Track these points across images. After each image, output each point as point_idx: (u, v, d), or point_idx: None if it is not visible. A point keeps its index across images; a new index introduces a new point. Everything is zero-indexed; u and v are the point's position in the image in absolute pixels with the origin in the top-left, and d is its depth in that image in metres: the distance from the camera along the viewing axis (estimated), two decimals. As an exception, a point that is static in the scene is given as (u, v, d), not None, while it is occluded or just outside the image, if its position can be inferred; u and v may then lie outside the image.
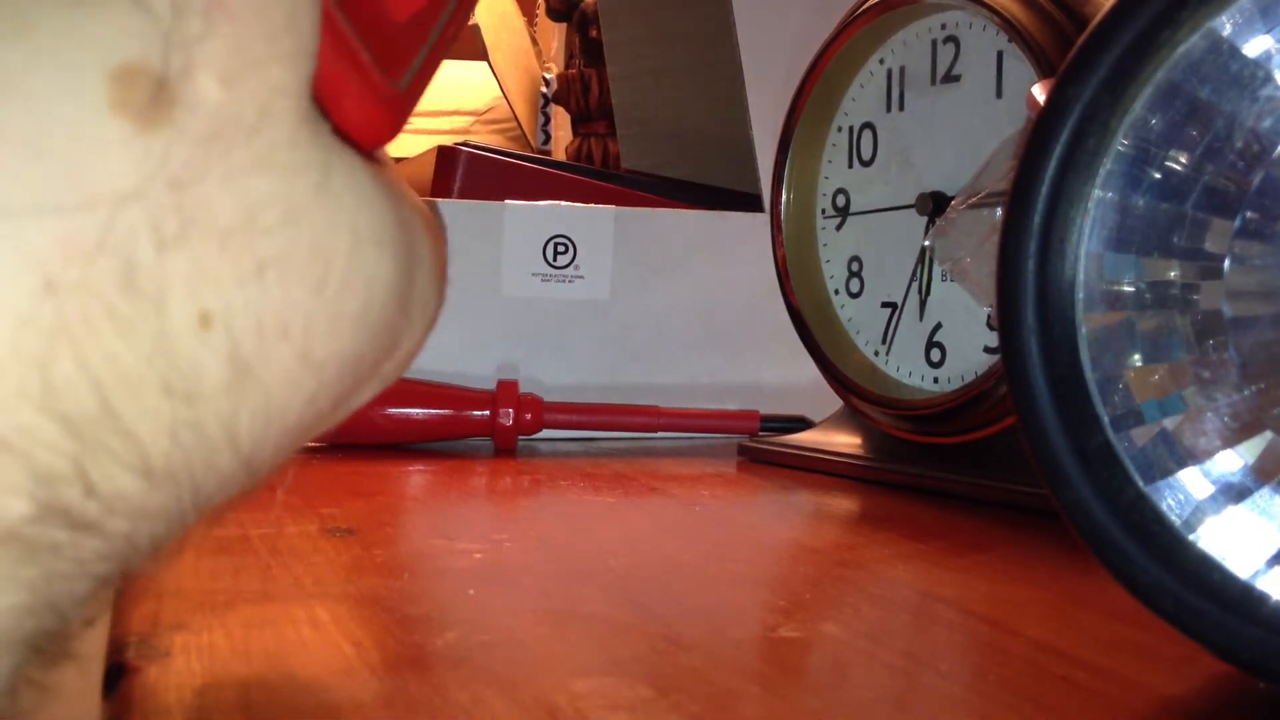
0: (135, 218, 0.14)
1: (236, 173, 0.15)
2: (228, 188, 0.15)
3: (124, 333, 0.14)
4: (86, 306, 0.14)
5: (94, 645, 0.21)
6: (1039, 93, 0.34)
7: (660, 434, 0.72)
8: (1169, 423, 0.27)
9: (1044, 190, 0.27)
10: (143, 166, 0.14)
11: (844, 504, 0.53)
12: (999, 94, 0.54)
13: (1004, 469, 0.52)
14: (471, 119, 1.62)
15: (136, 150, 0.14)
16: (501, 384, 0.67)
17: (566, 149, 1.25)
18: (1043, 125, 0.27)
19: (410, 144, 1.19)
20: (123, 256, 0.14)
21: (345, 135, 0.17)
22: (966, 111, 0.56)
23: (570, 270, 0.74)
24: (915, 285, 0.59)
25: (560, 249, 0.74)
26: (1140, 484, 0.26)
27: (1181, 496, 0.26)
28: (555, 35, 1.42)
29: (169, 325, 0.15)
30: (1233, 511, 0.26)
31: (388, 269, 0.17)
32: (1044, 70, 0.49)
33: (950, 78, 0.57)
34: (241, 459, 0.16)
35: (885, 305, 0.60)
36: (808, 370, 0.63)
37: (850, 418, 0.61)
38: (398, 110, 0.18)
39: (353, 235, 0.16)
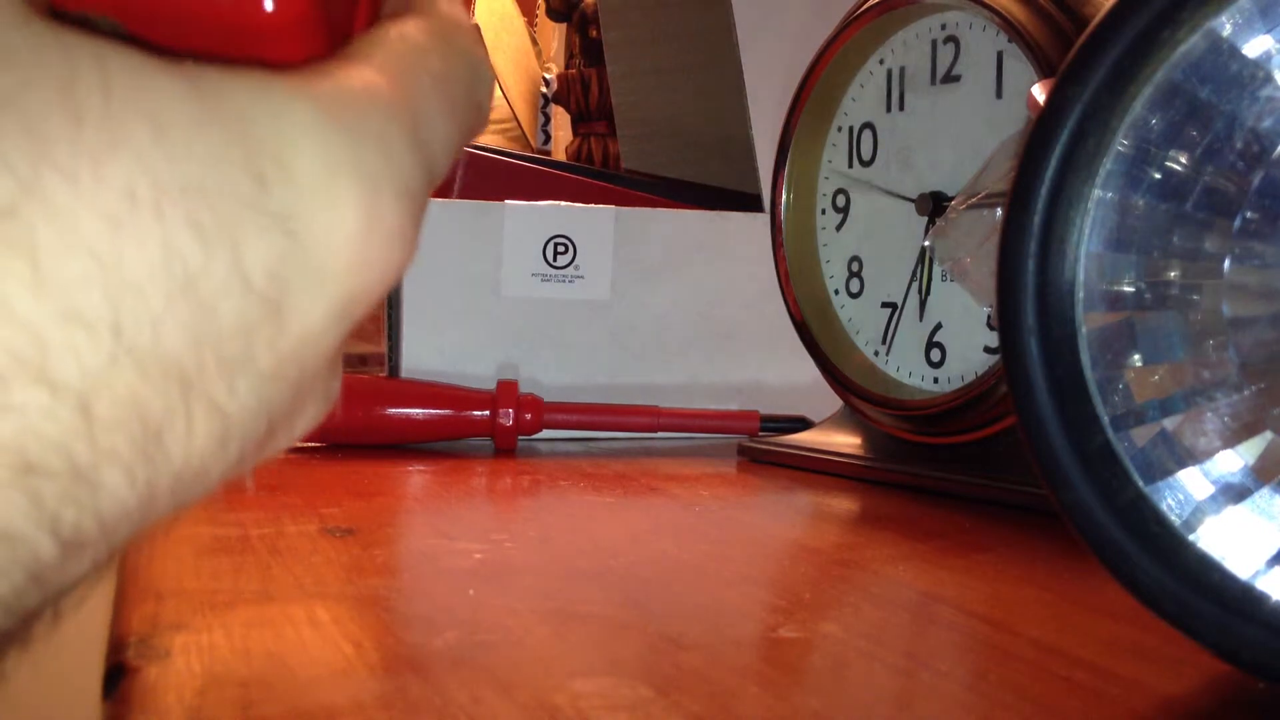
0: None
1: None
2: None
3: None
4: None
5: (94, 645, 0.21)
6: (1039, 93, 0.34)
7: (660, 434, 0.72)
8: (1169, 423, 0.27)
9: (1044, 190, 0.27)
10: None
11: (844, 504, 0.53)
12: (999, 94, 0.54)
13: (1004, 469, 0.52)
14: (471, 119, 1.61)
15: None
16: (501, 384, 0.67)
17: (566, 149, 1.25)
18: (1043, 125, 0.27)
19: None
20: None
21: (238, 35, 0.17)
22: (966, 111, 0.56)
23: (570, 270, 0.74)
24: (915, 285, 0.59)
25: (560, 249, 0.74)
26: (1140, 484, 0.26)
27: (1181, 496, 0.26)
28: (555, 35, 1.42)
29: None
30: (1233, 511, 0.26)
31: None
32: (1044, 70, 0.49)
33: (950, 78, 0.57)
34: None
35: (885, 305, 0.60)
36: (808, 370, 0.63)
37: (850, 418, 0.61)
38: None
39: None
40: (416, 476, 0.57)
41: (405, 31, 0.21)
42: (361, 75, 0.19)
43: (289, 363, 0.17)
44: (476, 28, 0.22)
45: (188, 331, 0.16)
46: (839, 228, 0.63)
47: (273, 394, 0.17)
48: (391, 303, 0.72)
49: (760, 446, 0.64)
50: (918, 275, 0.59)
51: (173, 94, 0.16)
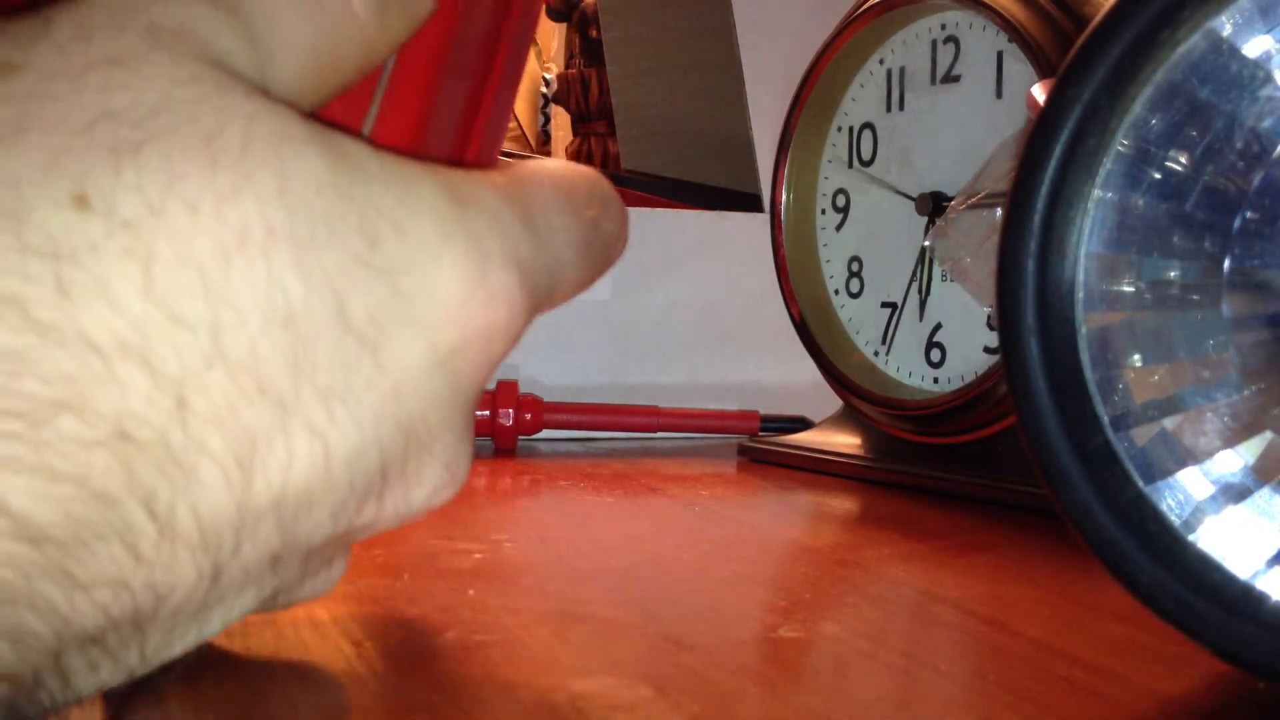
0: None
1: None
2: None
3: None
4: None
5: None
6: (1039, 93, 0.34)
7: (660, 434, 0.72)
8: (1169, 423, 0.27)
9: (1044, 190, 0.27)
10: None
11: (844, 504, 0.53)
12: (999, 94, 0.54)
13: (1004, 469, 0.52)
14: (471, 119, 1.61)
15: None
16: (501, 384, 0.67)
17: (566, 149, 1.25)
18: (1043, 125, 0.27)
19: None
20: None
21: None
22: (966, 111, 0.56)
23: (570, 270, 0.74)
24: (915, 285, 0.59)
25: (560, 249, 0.74)
26: (1140, 484, 0.26)
27: (1181, 496, 0.26)
28: (555, 35, 1.42)
29: None
30: (1233, 511, 0.26)
31: None
32: (1044, 70, 0.49)
33: (950, 78, 0.57)
34: None
35: (885, 305, 0.60)
36: (808, 370, 0.63)
37: (850, 418, 0.61)
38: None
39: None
40: (416, 476, 0.57)
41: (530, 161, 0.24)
42: (484, 171, 0.21)
43: (392, 402, 0.19)
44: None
45: (284, 356, 0.18)
46: (839, 228, 0.63)
47: (378, 431, 0.19)
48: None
49: (760, 446, 0.64)
50: (918, 275, 0.59)
51: (306, 159, 0.18)
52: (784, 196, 0.64)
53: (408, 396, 0.19)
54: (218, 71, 0.18)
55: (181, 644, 0.19)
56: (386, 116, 0.24)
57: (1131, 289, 0.28)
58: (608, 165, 1.14)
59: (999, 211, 0.48)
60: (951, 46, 0.57)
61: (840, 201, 0.63)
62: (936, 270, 0.58)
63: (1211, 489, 0.27)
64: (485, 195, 0.20)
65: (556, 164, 0.23)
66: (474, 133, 0.26)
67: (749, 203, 0.81)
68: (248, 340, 0.17)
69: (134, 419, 0.16)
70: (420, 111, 0.24)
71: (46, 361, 0.16)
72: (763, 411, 0.72)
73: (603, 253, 0.24)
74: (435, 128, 0.25)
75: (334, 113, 0.22)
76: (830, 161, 0.63)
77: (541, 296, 0.22)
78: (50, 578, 0.16)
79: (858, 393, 0.59)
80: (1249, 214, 0.26)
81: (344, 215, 0.18)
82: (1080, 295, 0.27)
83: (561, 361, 0.75)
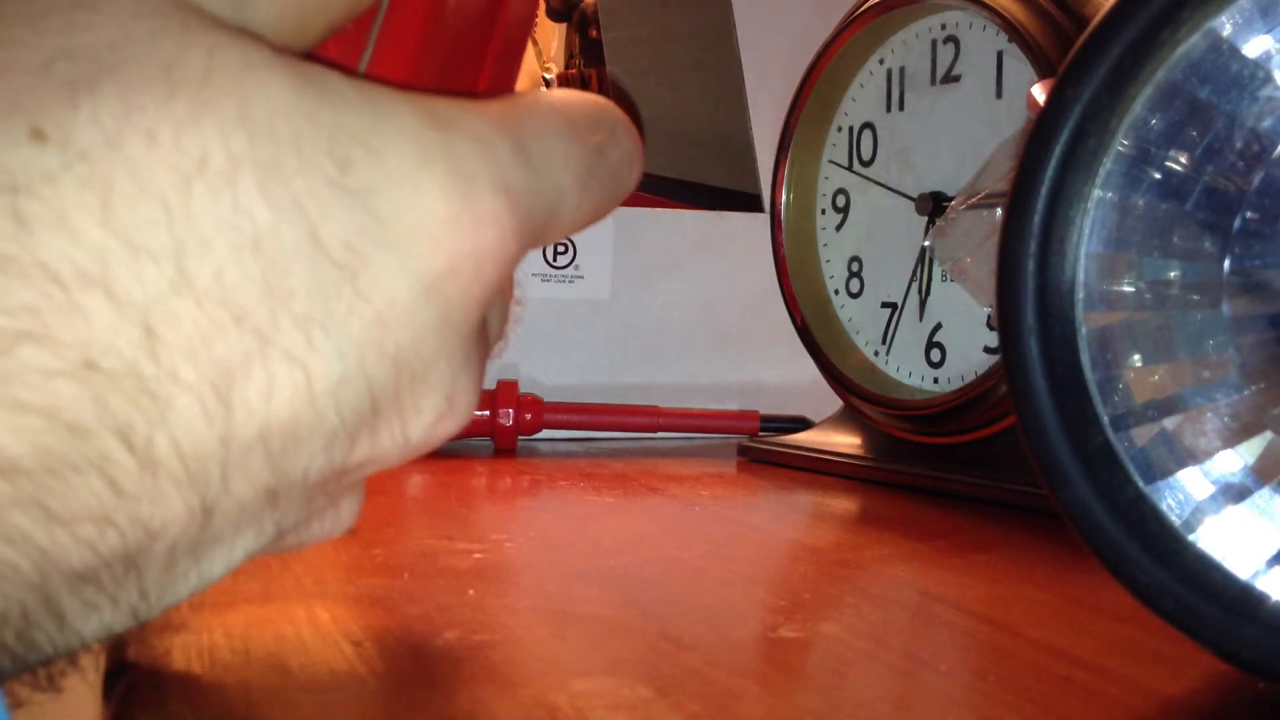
0: None
1: None
2: None
3: None
4: None
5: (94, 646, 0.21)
6: (1039, 93, 0.34)
7: (660, 434, 0.72)
8: (1169, 423, 0.27)
9: (1044, 190, 0.27)
10: None
11: (844, 504, 0.53)
12: (999, 94, 0.54)
13: (1004, 469, 0.52)
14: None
15: None
16: (501, 384, 0.67)
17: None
18: (1043, 125, 0.27)
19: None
20: None
21: None
22: (966, 111, 0.56)
23: (570, 270, 0.74)
24: (915, 285, 0.59)
25: (560, 249, 0.74)
26: (1140, 484, 0.26)
27: (1181, 496, 0.26)
28: (555, 35, 1.42)
29: None
30: (1233, 511, 0.26)
31: None
32: (1044, 70, 0.49)
33: (950, 78, 0.57)
34: None
35: (885, 305, 0.60)
36: (808, 370, 0.63)
37: (850, 418, 0.61)
38: None
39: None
40: (416, 476, 0.57)
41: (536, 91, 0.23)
42: (475, 99, 0.21)
43: (376, 330, 0.19)
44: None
45: (256, 283, 0.17)
46: (839, 228, 0.63)
47: (363, 359, 0.19)
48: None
49: (760, 446, 0.64)
50: (918, 275, 0.59)
51: (269, 85, 0.18)
52: (784, 196, 0.64)
53: (394, 324, 0.19)
54: (183, 10, 0.18)
55: (185, 585, 0.19)
56: (383, 56, 0.23)
57: (1131, 289, 0.28)
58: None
59: (999, 211, 0.48)
60: (951, 46, 0.57)
61: (840, 201, 0.63)
62: (936, 270, 0.58)
63: (1211, 489, 0.27)
64: (471, 121, 0.20)
65: (561, 92, 0.23)
66: (482, 72, 0.25)
67: (749, 203, 0.81)
68: (214, 267, 0.17)
69: (100, 348, 0.16)
70: (419, 49, 0.24)
71: (6, 293, 0.16)
72: (763, 411, 0.72)
73: (610, 181, 0.23)
74: (437, 67, 0.24)
75: (329, 53, 0.21)
76: (830, 161, 0.63)
77: (538, 225, 0.21)
78: (22, 509, 0.16)
79: (858, 393, 0.59)
80: (1249, 214, 0.26)
81: (313, 139, 0.18)
82: (1080, 295, 0.27)
83: (561, 361, 0.75)
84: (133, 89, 0.17)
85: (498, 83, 0.26)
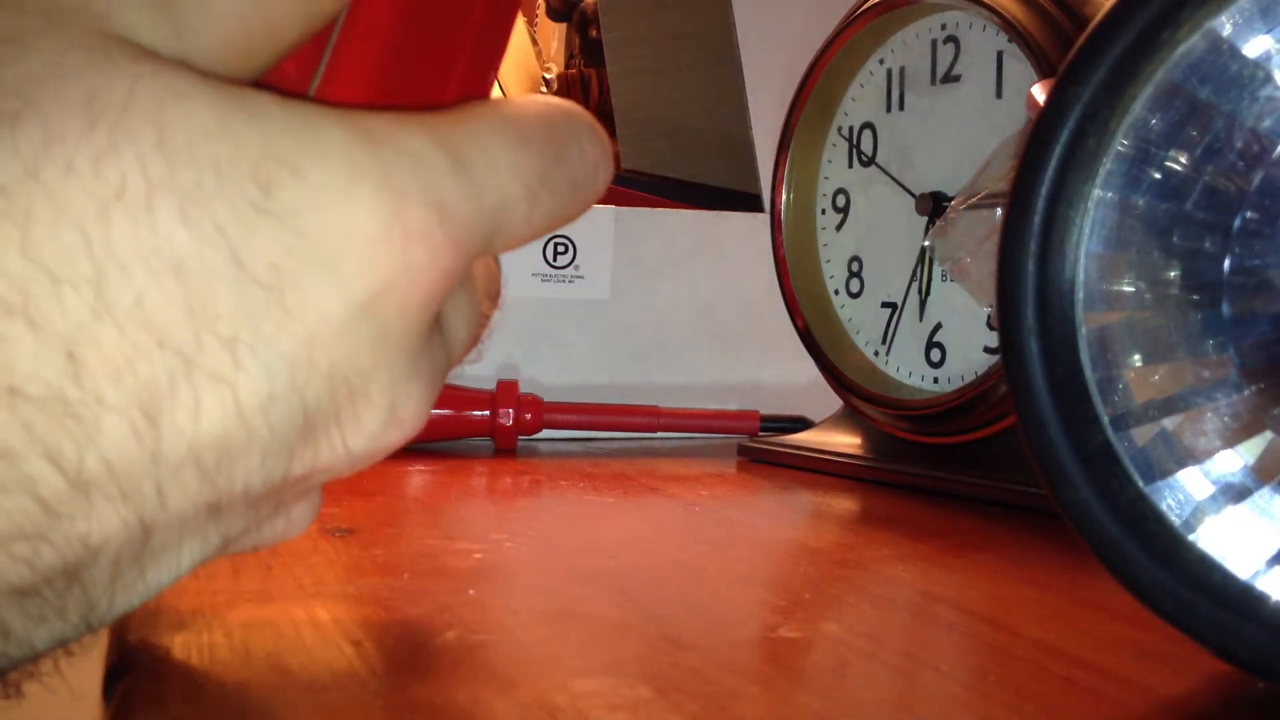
0: None
1: None
2: None
3: None
4: None
5: (93, 644, 0.21)
6: (1039, 93, 0.34)
7: (660, 434, 0.72)
8: (1169, 423, 0.27)
9: (1044, 190, 0.27)
10: None
11: (844, 504, 0.53)
12: (999, 94, 0.54)
13: (1004, 469, 0.52)
14: (471, 119, 1.61)
15: None
16: (501, 384, 0.67)
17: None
18: (1043, 125, 0.27)
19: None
20: None
21: None
22: (966, 111, 0.56)
23: (570, 270, 0.74)
24: (915, 285, 0.59)
25: (560, 249, 0.74)
26: (1140, 484, 0.26)
27: (1181, 496, 0.26)
28: (555, 35, 1.42)
29: None
30: (1233, 511, 0.26)
31: None
32: (1044, 70, 0.49)
33: (950, 78, 0.57)
34: None
35: (885, 305, 0.60)
36: (808, 370, 0.63)
37: (850, 418, 0.61)
38: None
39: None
40: (416, 476, 0.57)
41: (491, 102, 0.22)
42: (417, 113, 0.21)
43: (307, 347, 0.19)
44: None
45: (178, 307, 0.18)
46: (839, 228, 0.63)
47: (295, 377, 0.19)
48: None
49: (760, 446, 0.64)
50: (918, 275, 0.59)
51: (189, 111, 0.18)
52: (784, 196, 0.64)
53: (327, 341, 0.19)
54: (113, 43, 0.18)
55: (135, 594, 0.20)
56: (339, 75, 0.23)
57: (1131, 289, 0.28)
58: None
59: (999, 211, 0.48)
60: (951, 46, 0.57)
61: (840, 201, 0.63)
62: (936, 270, 0.58)
63: (1211, 489, 0.27)
64: (406, 135, 0.20)
65: (515, 100, 0.22)
66: (450, 83, 0.25)
67: (749, 203, 0.81)
68: (135, 293, 0.17)
69: (23, 376, 0.17)
70: (379, 63, 0.24)
71: None
72: (763, 411, 0.72)
73: (567, 188, 0.23)
74: (400, 80, 0.24)
75: (286, 72, 0.21)
76: (830, 161, 0.63)
77: (479, 236, 0.21)
78: None
79: (858, 393, 0.59)
80: (1249, 214, 0.26)
81: (234, 162, 0.18)
82: (1080, 295, 0.27)
83: (561, 361, 0.75)
84: (53, 121, 0.17)
85: (469, 92, 0.26)
